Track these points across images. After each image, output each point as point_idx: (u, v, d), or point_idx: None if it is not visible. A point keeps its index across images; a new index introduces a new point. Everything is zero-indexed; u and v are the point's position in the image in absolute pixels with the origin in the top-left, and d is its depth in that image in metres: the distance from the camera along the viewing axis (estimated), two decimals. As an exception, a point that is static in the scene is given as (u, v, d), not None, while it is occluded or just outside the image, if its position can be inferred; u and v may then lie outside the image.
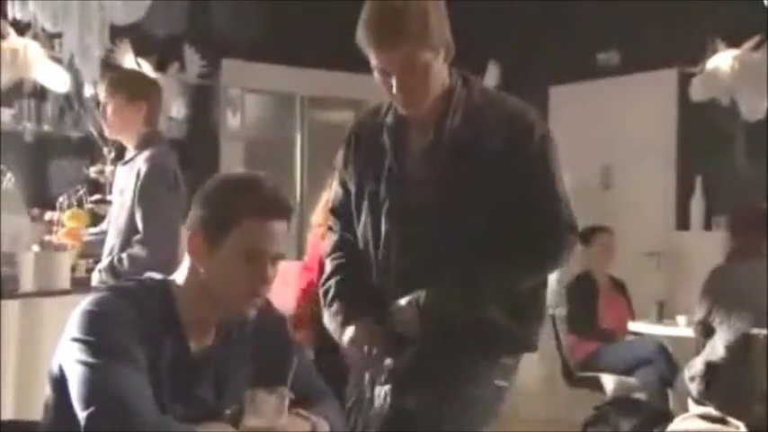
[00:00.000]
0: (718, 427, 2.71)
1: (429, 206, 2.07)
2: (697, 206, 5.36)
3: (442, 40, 2.06)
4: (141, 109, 3.50)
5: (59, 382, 1.76)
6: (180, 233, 3.15)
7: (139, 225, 3.36)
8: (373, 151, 2.17)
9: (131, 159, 3.52)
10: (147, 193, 3.36)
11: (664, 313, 5.01)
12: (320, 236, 3.87)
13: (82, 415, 1.67)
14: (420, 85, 2.05)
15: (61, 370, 1.76)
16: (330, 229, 2.35)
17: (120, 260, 3.38)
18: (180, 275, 1.86)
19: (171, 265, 1.95)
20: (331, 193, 2.36)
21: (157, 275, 1.89)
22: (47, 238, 3.92)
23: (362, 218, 2.19)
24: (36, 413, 1.93)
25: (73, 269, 3.72)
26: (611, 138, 5.90)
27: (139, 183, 3.37)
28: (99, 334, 1.73)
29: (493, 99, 2.20)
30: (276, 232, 1.81)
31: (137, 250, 3.34)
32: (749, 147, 5.16)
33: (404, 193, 2.10)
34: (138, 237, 3.36)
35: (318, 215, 3.88)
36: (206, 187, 1.86)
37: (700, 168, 5.40)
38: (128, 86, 3.55)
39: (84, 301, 1.80)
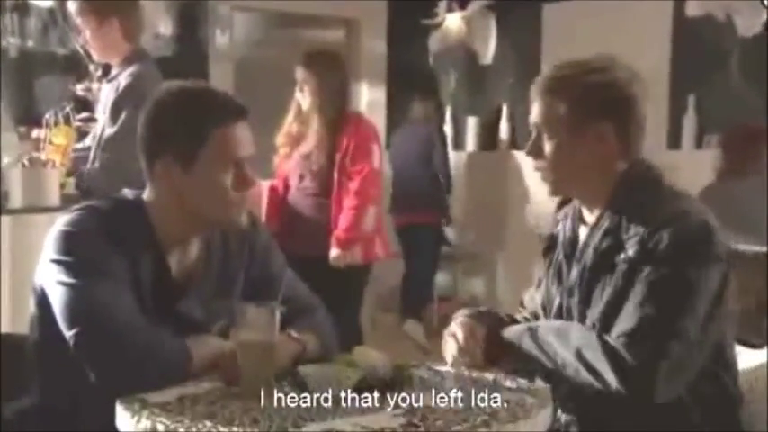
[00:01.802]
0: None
1: None
2: (689, 124, 5.34)
3: None
4: (114, 26, 3.44)
5: (42, 301, 1.78)
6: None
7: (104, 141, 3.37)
8: None
9: (115, 77, 3.48)
10: (117, 109, 3.35)
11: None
12: (283, 156, 3.89)
13: (68, 335, 1.69)
14: None
15: (43, 289, 1.77)
16: None
17: (81, 175, 3.40)
18: (150, 194, 1.85)
19: (131, 184, 1.94)
20: None
21: (130, 193, 1.89)
22: (34, 155, 3.89)
23: None
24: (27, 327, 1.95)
25: (62, 186, 3.70)
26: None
27: (114, 98, 3.36)
28: (76, 253, 1.74)
29: None
30: (246, 134, 1.81)
31: (96, 167, 3.36)
32: (744, 63, 5.12)
33: None
34: (100, 154, 3.37)
35: (281, 136, 3.87)
36: (157, 109, 1.83)
37: (693, 86, 5.35)
38: (95, 5, 3.47)
39: (60, 221, 1.80)
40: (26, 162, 3.70)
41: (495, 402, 1.59)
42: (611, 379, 1.68)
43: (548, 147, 1.85)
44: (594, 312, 1.80)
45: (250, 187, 1.84)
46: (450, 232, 6.25)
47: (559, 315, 1.89)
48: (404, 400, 1.60)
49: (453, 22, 6.51)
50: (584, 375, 1.72)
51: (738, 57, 5.14)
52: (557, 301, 1.91)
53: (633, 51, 5.66)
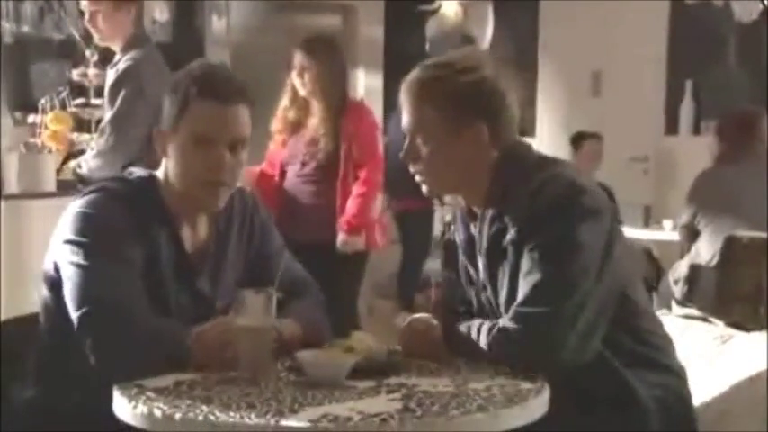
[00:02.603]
0: (698, 323, 2.78)
1: None
2: (686, 110, 5.34)
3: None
4: (130, 12, 3.48)
5: (56, 282, 1.77)
6: (140, 138, 3.12)
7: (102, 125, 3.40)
8: None
9: (117, 63, 3.50)
10: (114, 93, 3.37)
11: (650, 218, 5.04)
12: (280, 143, 3.87)
13: (74, 315, 1.69)
14: None
15: (57, 270, 1.77)
16: None
17: (79, 165, 3.43)
18: (161, 171, 1.86)
19: (127, 167, 1.96)
20: None
21: (142, 172, 1.89)
22: (31, 140, 3.88)
23: None
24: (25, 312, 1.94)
25: (58, 172, 3.70)
26: (602, 42, 5.83)
27: (111, 82, 3.37)
28: (92, 236, 1.74)
29: None
30: (225, 116, 1.79)
31: (93, 154, 3.38)
32: (741, 49, 5.11)
33: None
34: (96, 139, 3.40)
35: (277, 123, 3.86)
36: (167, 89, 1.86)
37: (690, 72, 5.35)
38: None
39: (76, 203, 1.80)
40: (23, 147, 3.70)
41: (491, 387, 1.59)
42: (515, 357, 1.69)
43: (423, 150, 1.84)
44: (501, 300, 1.81)
45: (219, 172, 1.81)
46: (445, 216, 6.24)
47: (481, 314, 1.89)
48: (400, 385, 1.60)
49: (450, 7, 6.49)
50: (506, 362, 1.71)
51: (736, 43, 5.14)
52: (475, 302, 1.91)
53: (631, 37, 5.70)
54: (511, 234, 1.77)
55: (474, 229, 1.88)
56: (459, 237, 1.95)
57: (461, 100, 1.81)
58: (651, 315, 1.92)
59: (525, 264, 1.73)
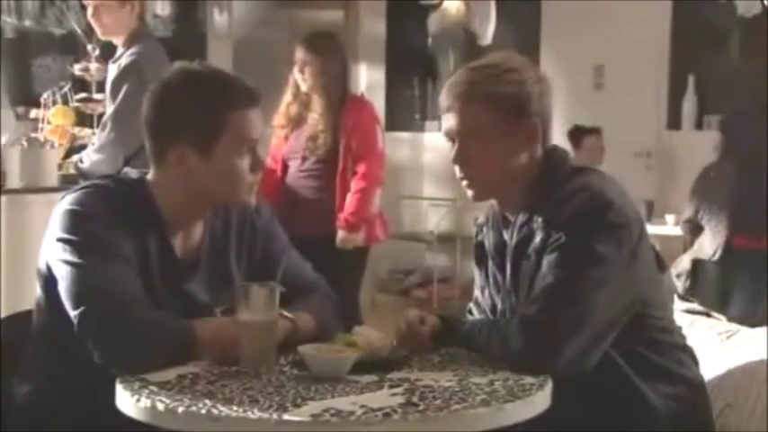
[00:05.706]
0: (702, 318, 2.78)
1: None
2: (689, 105, 5.33)
3: None
4: (135, 7, 3.49)
5: (49, 282, 1.76)
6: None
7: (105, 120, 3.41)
8: None
9: (119, 57, 3.51)
10: (117, 87, 3.37)
11: (653, 212, 5.04)
12: (282, 138, 3.87)
13: (73, 314, 1.68)
14: None
15: (49, 269, 1.76)
16: None
17: (81, 159, 3.43)
18: (156, 176, 1.84)
19: (128, 162, 1.96)
20: None
21: (133, 173, 1.88)
22: (32, 135, 3.89)
23: None
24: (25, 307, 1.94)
25: (60, 167, 3.70)
26: (604, 36, 5.81)
27: (114, 76, 3.38)
28: (84, 233, 1.72)
29: None
30: (257, 117, 1.81)
31: (95, 148, 3.38)
32: (743, 43, 5.10)
33: None
34: (99, 133, 3.40)
35: (279, 118, 3.86)
36: (170, 93, 1.80)
37: (692, 67, 5.34)
38: None
39: (66, 200, 1.78)
40: (24, 142, 3.70)
41: (494, 381, 1.59)
42: (511, 358, 1.67)
43: (477, 152, 1.82)
44: (520, 305, 1.80)
45: (263, 168, 1.88)
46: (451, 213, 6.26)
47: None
48: (403, 379, 1.60)
49: (452, 2, 6.48)
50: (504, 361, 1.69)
51: (738, 37, 5.13)
52: (499, 307, 1.91)
53: (633, 31, 5.69)
54: (535, 242, 1.77)
55: (506, 235, 1.88)
56: (488, 241, 1.94)
57: (513, 98, 1.80)
58: (671, 327, 1.90)
59: (542, 268, 1.73)
